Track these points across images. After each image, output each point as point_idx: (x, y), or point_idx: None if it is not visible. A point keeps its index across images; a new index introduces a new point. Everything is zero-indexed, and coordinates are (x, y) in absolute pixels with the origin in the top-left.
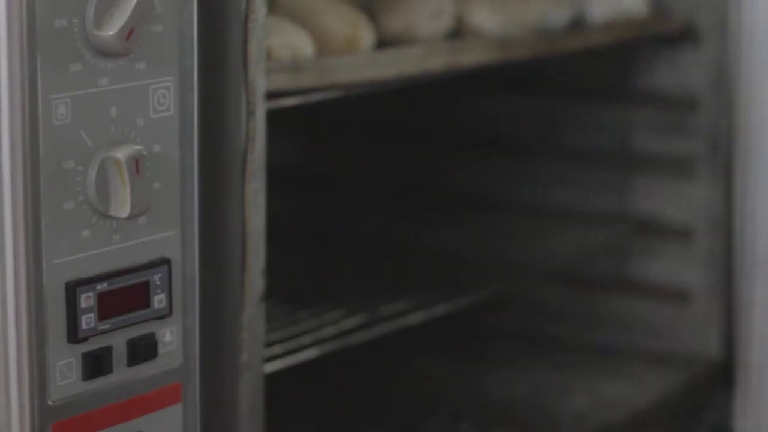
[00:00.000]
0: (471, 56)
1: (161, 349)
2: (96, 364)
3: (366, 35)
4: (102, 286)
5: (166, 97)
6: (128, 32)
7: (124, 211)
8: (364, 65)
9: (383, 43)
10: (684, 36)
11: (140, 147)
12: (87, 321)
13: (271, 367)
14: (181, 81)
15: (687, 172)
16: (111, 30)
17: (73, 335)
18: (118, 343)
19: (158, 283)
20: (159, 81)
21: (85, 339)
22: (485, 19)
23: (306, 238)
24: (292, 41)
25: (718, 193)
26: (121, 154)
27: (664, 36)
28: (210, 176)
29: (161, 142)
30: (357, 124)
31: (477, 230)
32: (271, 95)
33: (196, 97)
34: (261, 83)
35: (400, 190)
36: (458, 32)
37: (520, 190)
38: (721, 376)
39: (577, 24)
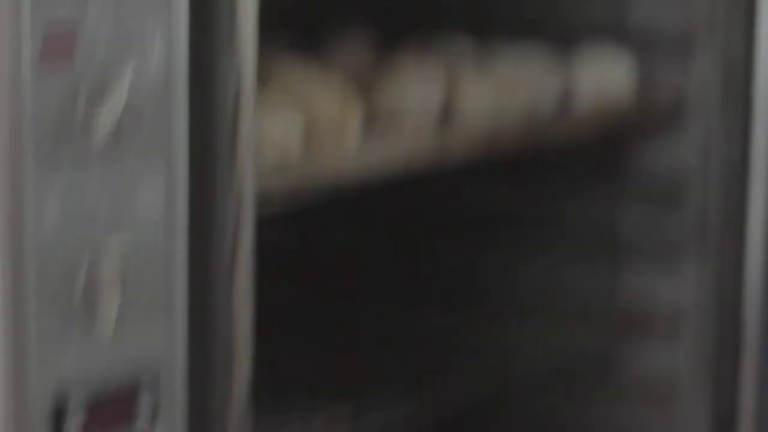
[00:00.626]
0: (458, 151)
1: None
2: None
3: (355, 119)
4: (88, 402)
5: (154, 196)
6: (118, 131)
7: (111, 318)
8: (351, 159)
9: (372, 126)
10: (672, 117)
11: (128, 245)
12: None
13: None
14: (170, 181)
15: (675, 256)
16: (101, 128)
17: None
18: None
19: (144, 397)
20: (148, 180)
21: None
22: (474, 103)
23: (297, 326)
24: (280, 140)
25: (707, 274)
26: (111, 248)
27: (651, 116)
28: (197, 279)
29: (149, 242)
30: (351, 213)
31: (465, 325)
32: (259, 197)
33: (185, 198)
34: (249, 188)
35: (393, 280)
36: (447, 112)
37: (511, 278)
38: None
39: (565, 102)
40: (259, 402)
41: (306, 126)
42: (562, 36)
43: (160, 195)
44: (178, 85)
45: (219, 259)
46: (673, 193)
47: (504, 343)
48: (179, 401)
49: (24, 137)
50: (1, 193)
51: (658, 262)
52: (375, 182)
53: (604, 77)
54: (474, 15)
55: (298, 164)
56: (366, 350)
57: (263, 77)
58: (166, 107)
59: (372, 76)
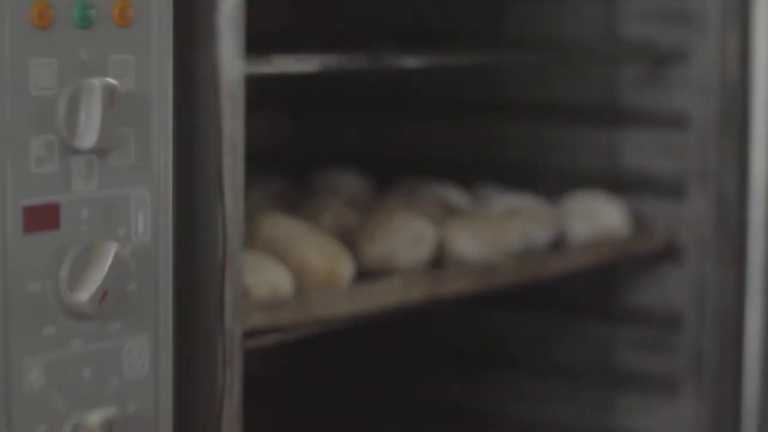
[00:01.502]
0: (451, 286)
1: None
2: None
3: (345, 267)
4: None
5: (140, 354)
6: (102, 294)
7: None
8: (343, 300)
9: (364, 271)
10: (665, 254)
11: (114, 408)
12: None
13: None
14: (156, 338)
15: (671, 390)
16: (85, 293)
17: None
18: None
19: None
20: (133, 340)
21: None
22: (466, 245)
23: None
24: (270, 279)
25: (703, 410)
26: (95, 418)
27: (645, 255)
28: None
29: (136, 402)
30: (346, 344)
31: None
32: (249, 334)
33: (171, 353)
34: (238, 331)
35: (393, 407)
36: (440, 258)
37: (507, 405)
38: None
39: (559, 243)
40: None
41: (295, 280)
42: (554, 183)
43: (147, 350)
44: (165, 250)
45: (208, 406)
46: (669, 329)
47: None
48: None
49: (6, 302)
50: None
51: (653, 394)
52: (368, 318)
53: (596, 218)
54: (464, 162)
55: (288, 300)
56: None
57: (251, 235)
58: (151, 263)
59: (362, 226)
